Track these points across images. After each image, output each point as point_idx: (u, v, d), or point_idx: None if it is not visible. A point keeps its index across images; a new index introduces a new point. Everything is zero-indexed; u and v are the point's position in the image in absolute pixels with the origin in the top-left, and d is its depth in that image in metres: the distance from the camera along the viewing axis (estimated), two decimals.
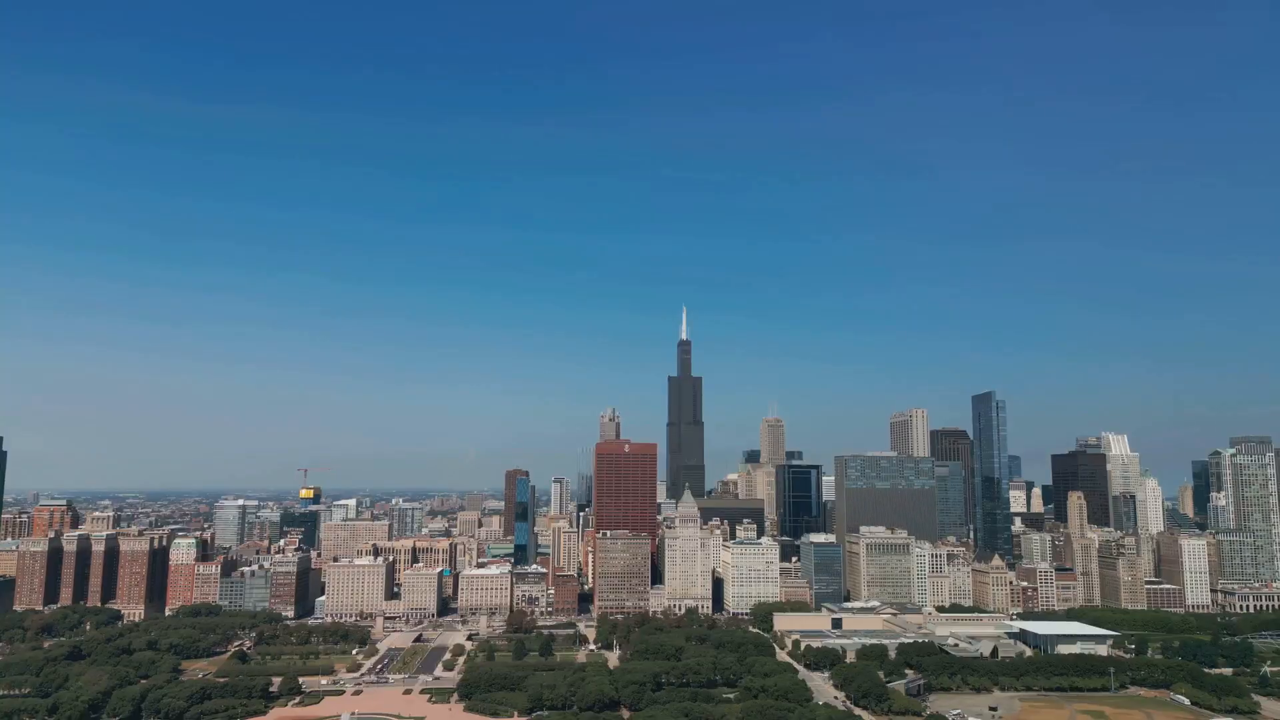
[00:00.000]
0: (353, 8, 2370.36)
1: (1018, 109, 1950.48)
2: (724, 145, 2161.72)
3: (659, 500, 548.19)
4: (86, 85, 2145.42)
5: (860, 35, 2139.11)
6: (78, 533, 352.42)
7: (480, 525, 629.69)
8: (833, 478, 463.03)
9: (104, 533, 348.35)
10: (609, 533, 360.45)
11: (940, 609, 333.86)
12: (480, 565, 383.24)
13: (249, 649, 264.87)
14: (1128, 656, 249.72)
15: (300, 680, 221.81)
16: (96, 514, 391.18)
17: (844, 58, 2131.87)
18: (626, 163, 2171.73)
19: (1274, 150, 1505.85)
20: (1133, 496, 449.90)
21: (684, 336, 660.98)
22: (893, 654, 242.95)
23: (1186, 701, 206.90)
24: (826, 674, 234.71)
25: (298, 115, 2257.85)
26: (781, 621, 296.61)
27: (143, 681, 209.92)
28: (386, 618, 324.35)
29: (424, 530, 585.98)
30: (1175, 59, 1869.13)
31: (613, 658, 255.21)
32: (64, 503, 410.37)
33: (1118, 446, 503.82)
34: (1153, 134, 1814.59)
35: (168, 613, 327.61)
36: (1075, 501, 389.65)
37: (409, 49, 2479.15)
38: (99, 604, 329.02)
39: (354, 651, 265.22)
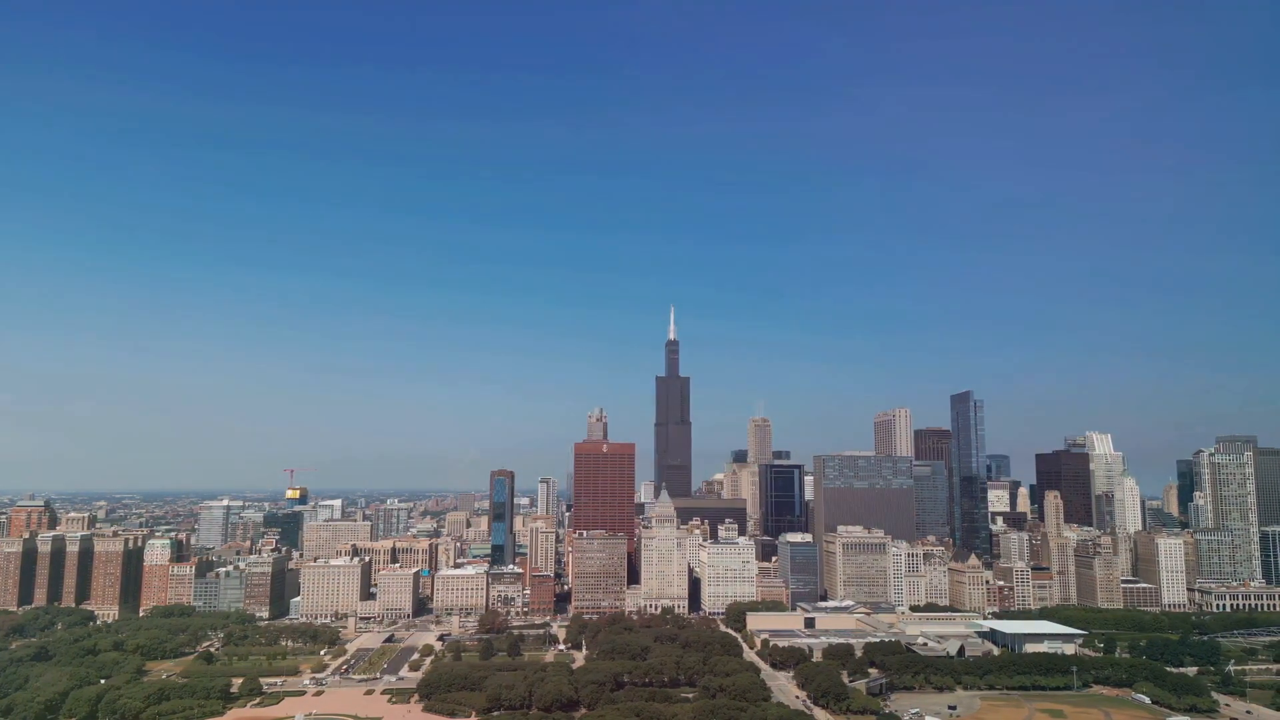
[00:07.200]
0: (354, 7, 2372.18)
1: (1009, 109, 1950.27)
2: (715, 146, 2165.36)
3: (645, 500, 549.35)
4: (86, 83, 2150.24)
5: (854, 34, 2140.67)
6: (52, 533, 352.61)
7: (469, 526, 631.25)
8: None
9: (79, 533, 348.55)
10: (585, 533, 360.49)
11: (915, 608, 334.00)
12: (457, 566, 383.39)
13: (216, 650, 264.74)
14: (1094, 655, 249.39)
15: (262, 681, 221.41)
16: (73, 514, 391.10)
17: (836, 57, 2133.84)
18: (619, 163, 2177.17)
19: (1269, 149, 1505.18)
20: (1111, 495, 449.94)
21: (671, 336, 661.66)
22: (859, 653, 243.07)
23: (1147, 700, 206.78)
24: (791, 673, 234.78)
25: (296, 114, 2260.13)
26: (754, 621, 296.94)
27: (103, 682, 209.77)
28: (360, 618, 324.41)
29: (411, 530, 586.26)
30: (1169, 58, 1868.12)
31: (580, 658, 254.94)
32: (41, 503, 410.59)
33: (1102, 446, 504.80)
34: (1147, 133, 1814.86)
35: (142, 613, 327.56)
36: (1052, 501, 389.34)
37: (406, 48, 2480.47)
38: (73, 605, 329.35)
39: (321, 652, 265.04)
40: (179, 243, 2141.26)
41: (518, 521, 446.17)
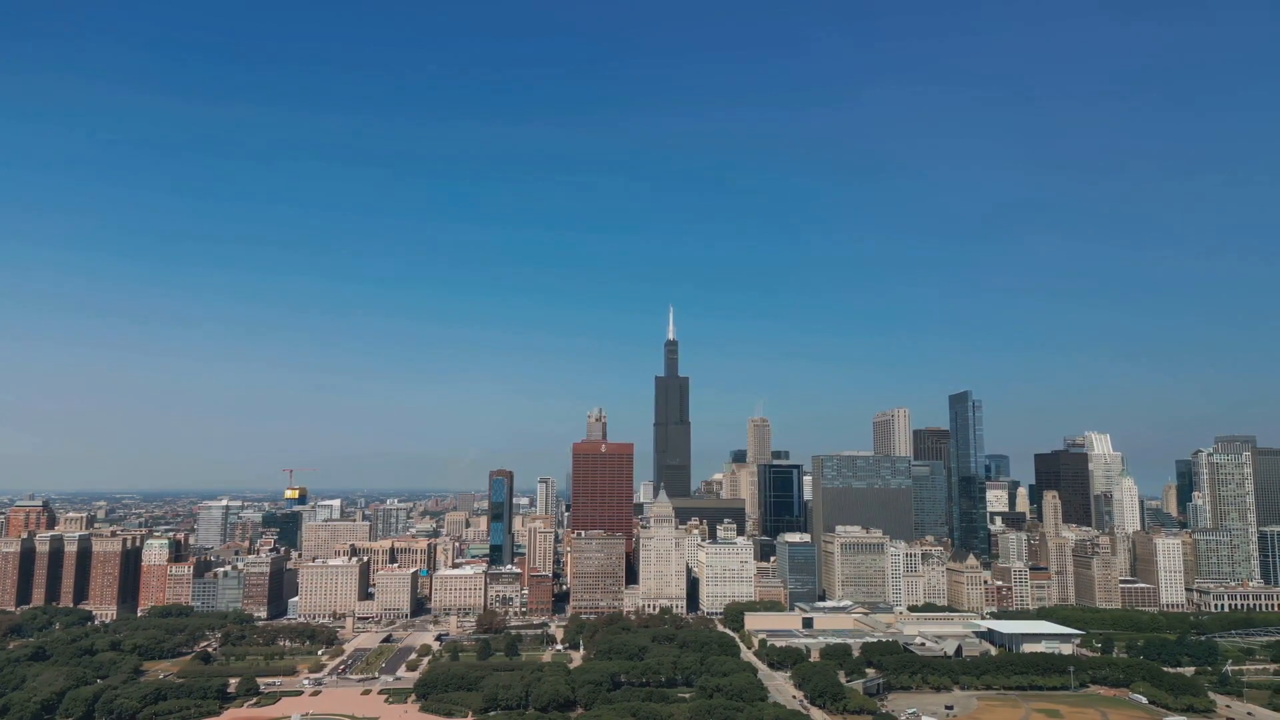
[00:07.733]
0: (352, 7, 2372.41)
1: (1008, 108, 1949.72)
2: (712, 145, 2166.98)
3: (644, 500, 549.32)
4: (86, 86, 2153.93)
5: (853, 33, 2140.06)
6: (50, 533, 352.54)
7: (468, 526, 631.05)
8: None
9: (77, 533, 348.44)
10: (584, 533, 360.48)
11: (913, 608, 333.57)
12: (455, 566, 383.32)
13: (214, 650, 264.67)
14: (1092, 655, 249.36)
15: (260, 681, 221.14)
16: (71, 514, 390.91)
17: (836, 56, 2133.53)
18: (617, 163, 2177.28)
19: (1270, 149, 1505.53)
20: (1110, 495, 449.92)
21: (671, 336, 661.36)
22: (856, 653, 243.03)
23: (1144, 700, 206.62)
24: (789, 673, 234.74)
25: (296, 116, 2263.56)
26: (752, 621, 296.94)
27: (100, 682, 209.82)
28: (359, 618, 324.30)
29: (410, 530, 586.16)
30: (1170, 58, 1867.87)
31: (578, 658, 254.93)
32: (40, 503, 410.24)
33: (1100, 446, 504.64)
34: (1146, 133, 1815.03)
35: (140, 614, 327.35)
36: (1050, 501, 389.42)
37: (406, 49, 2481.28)
38: (71, 604, 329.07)
39: (319, 652, 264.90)
40: (179, 244, 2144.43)
41: (516, 521, 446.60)
